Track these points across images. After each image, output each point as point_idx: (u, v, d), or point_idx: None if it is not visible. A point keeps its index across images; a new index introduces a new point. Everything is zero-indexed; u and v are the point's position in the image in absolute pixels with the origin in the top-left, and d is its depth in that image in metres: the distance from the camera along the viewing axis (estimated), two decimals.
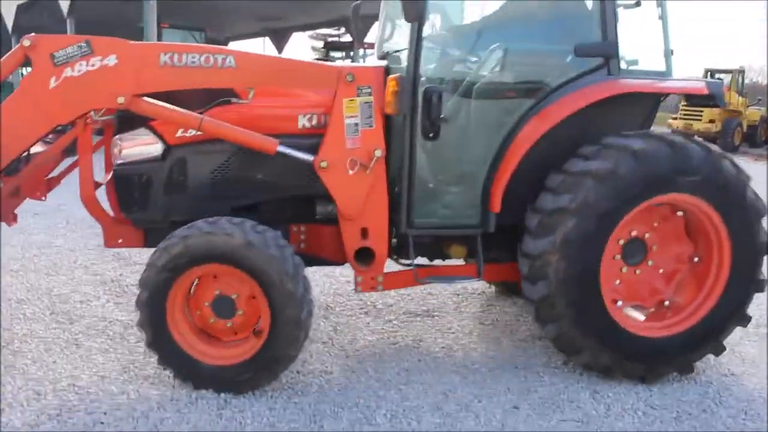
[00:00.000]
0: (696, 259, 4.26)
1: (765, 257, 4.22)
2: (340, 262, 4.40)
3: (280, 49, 30.22)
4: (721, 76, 25.19)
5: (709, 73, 25.55)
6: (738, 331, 4.38)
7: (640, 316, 4.33)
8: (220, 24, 26.18)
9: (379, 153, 3.96)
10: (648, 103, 4.44)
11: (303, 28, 29.34)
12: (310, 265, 4.62)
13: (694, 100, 4.98)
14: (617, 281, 4.23)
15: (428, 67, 4.56)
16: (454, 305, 5.55)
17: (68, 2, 19.55)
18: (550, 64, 4.45)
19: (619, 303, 4.25)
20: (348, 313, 5.30)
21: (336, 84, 3.96)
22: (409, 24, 3.93)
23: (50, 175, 4.71)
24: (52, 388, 3.93)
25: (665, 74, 4.53)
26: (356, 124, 3.95)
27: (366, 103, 3.95)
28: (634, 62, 4.56)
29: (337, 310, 5.35)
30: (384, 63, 4.52)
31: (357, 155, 3.96)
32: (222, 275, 3.86)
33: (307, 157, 3.94)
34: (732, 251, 4.11)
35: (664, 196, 3.99)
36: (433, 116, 3.98)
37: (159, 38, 17.32)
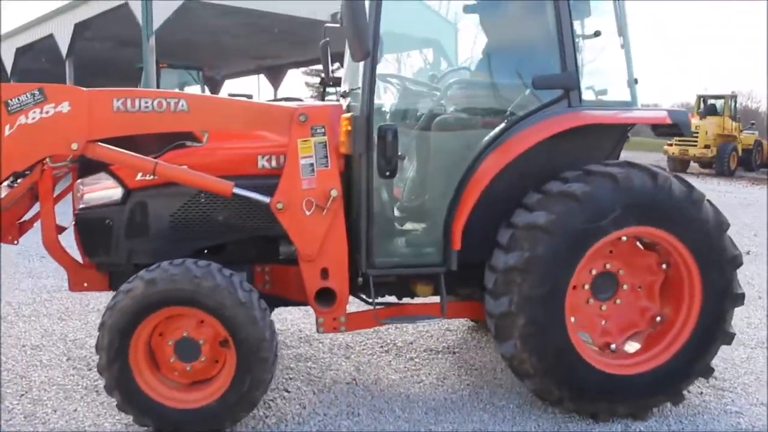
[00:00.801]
0: (658, 319, 4.20)
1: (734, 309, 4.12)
2: (305, 303, 4.29)
3: (275, 85, 30.41)
4: (714, 101, 25.51)
5: (702, 100, 25.87)
6: None
7: (634, 346, 4.24)
8: (216, 62, 26.43)
9: (335, 193, 3.91)
10: (613, 134, 4.37)
11: (297, 65, 29.58)
12: (276, 306, 4.59)
13: (659, 130, 4.92)
14: (579, 310, 4.14)
15: (387, 102, 4.55)
16: (474, 341, 5.50)
17: (66, 45, 19.69)
18: (509, 97, 4.40)
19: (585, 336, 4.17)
20: (369, 352, 5.24)
21: (289, 125, 3.94)
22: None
23: (23, 219, 4.70)
24: None
25: (630, 104, 4.49)
26: (312, 165, 3.92)
27: (320, 143, 3.93)
28: (603, 92, 4.55)
29: (357, 350, 5.29)
30: (346, 101, 4.53)
31: (313, 196, 3.91)
32: (185, 318, 3.81)
33: (264, 198, 3.93)
34: (702, 299, 4.02)
35: (636, 228, 3.92)
36: (388, 154, 3.92)
37: (158, 78, 17.45)
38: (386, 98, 4.75)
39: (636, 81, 4.48)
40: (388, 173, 3.96)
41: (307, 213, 3.90)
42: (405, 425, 4.04)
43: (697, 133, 23.57)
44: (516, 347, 3.91)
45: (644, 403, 4.09)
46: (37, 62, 23.31)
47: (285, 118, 3.95)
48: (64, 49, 19.83)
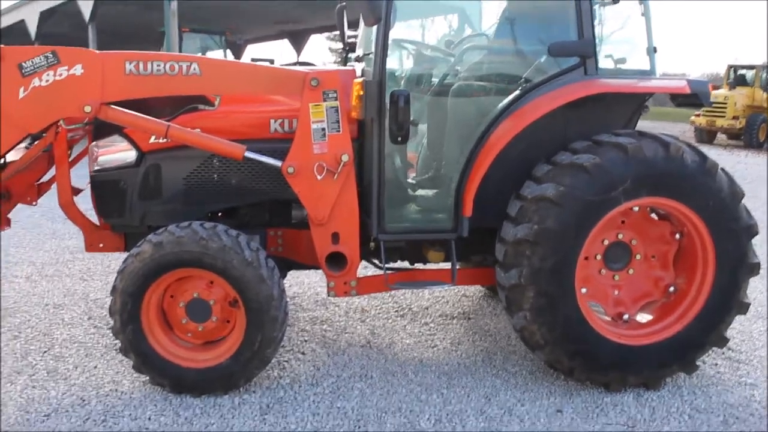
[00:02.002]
0: (672, 289, 4.16)
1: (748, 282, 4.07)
2: (317, 267, 4.32)
3: (298, 51, 30.24)
4: (744, 72, 24.95)
5: (732, 69, 25.32)
6: None
7: (647, 317, 4.23)
8: (239, 27, 26.28)
9: (346, 158, 3.90)
10: (630, 103, 4.31)
11: (321, 30, 29.32)
12: (289, 269, 4.65)
13: (679, 100, 4.70)
14: (591, 281, 4.12)
15: (402, 67, 4.52)
16: (490, 308, 5.52)
17: (90, 9, 19.68)
18: (525, 64, 4.36)
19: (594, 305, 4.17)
20: (384, 317, 5.28)
21: (301, 89, 3.93)
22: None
23: (41, 181, 4.79)
24: (96, 394, 3.95)
25: (648, 73, 4.41)
26: (323, 129, 3.91)
27: (332, 107, 3.91)
28: (623, 60, 4.47)
29: (372, 314, 5.34)
30: (361, 66, 4.50)
31: (324, 160, 3.91)
32: (195, 279, 3.88)
33: (275, 162, 3.94)
34: (716, 269, 3.99)
35: (647, 199, 3.87)
36: (400, 120, 3.90)
37: (180, 42, 17.44)
38: (401, 63, 4.72)
39: (655, 49, 4.40)
40: (399, 139, 3.96)
41: (318, 177, 3.91)
42: (417, 388, 4.08)
43: (726, 103, 23.11)
44: (526, 319, 3.92)
45: (657, 373, 4.09)
46: (61, 26, 23.33)
47: (297, 82, 3.94)
48: (87, 14, 19.81)
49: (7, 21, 26.49)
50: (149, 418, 3.68)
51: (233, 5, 21.63)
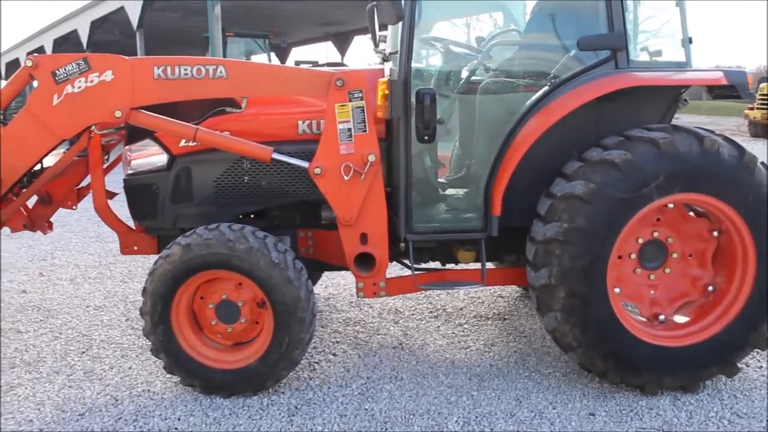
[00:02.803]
0: (711, 288, 4.02)
1: None
2: (347, 268, 4.29)
3: (342, 52, 30.39)
4: None
5: None
6: None
7: (683, 318, 4.09)
8: (283, 30, 26.54)
9: (373, 158, 3.88)
10: (665, 96, 4.15)
11: (365, 31, 29.36)
12: (321, 270, 4.65)
13: (716, 92, 4.50)
14: (626, 281, 4.00)
15: (429, 65, 4.46)
16: (526, 308, 5.43)
17: (137, 16, 20.17)
18: (555, 58, 4.24)
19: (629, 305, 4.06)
20: (418, 317, 5.25)
21: (326, 90, 3.92)
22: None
23: (80, 185, 4.90)
24: (129, 394, 4.02)
25: (683, 65, 4.25)
26: (349, 129, 3.90)
27: (358, 107, 3.90)
28: (658, 53, 4.33)
29: (406, 314, 5.31)
30: (387, 65, 4.47)
31: (351, 160, 3.90)
32: (224, 281, 3.91)
33: (302, 163, 3.94)
34: (756, 267, 3.83)
35: (682, 195, 3.74)
36: (426, 119, 3.85)
37: (224, 46, 17.70)
38: (428, 61, 4.67)
39: (690, 40, 4.26)
40: (426, 138, 3.91)
41: (345, 178, 3.90)
42: (447, 390, 4.04)
43: None
44: (557, 320, 3.83)
45: (695, 375, 3.95)
46: (110, 34, 23.97)
47: (322, 83, 3.93)
48: (135, 21, 20.31)
49: (62, 31, 27.43)
50: (179, 419, 3.72)
51: (277, 8, 21.86)
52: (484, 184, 4.13)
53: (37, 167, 4.33)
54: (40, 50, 30.18)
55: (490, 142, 4.16)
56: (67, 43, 27.21)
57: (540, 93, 4.08)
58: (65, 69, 3.88)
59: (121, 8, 21.07)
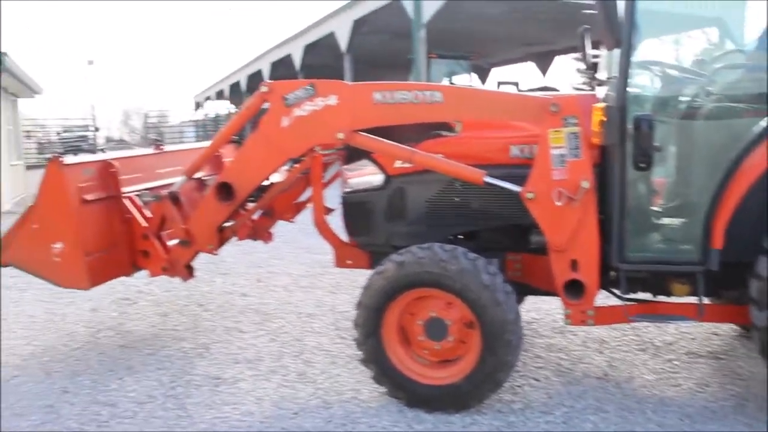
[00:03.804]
0: None
1: None
2: (554, 293, 4.19)
3: (543, 72, 30.05)
4: None
5: None
6: None
7: None
8: (485, 51, 26.78)
9: (586, 185, 3.78)
10: None
11: (567, 51, 28.85)
12: (526, 294, 4.63)
13: None
14: None
15: (647, 90, 4.27)
16: (744, 349, 5.01)
17: (346, 40, 21.41)
18: None
19: None
20: (624, 349, 5.04)
21: (541, 115, 3.87)
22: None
23: (298, 200, 5.27)
24: (338, 399, 4.25)
25: None
26: (562, 155, 3.83)
27: (572, 133, 3.83)
28: None
29: (611, 345, 5.12)
30: (603, 89, 4.29)
31: (564, 186, 3.82)
32: (434, 299, 3.97)
33: (515, 188, 3.92)
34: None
35: None
36: (643, 145, 3.69)
37: (428, 68, 18.23)
38: (646, 86, 4.49)
39: None
40: (642, 165, 3.78)
41: (558, 204, 3.86)
42: (655, 428, 3.84)
43: None
44: None
45: None
46: (321, 57, 25.64)
47: (537, 108, 3.94)
48: (343, 45, 21.59)
49: (277, 55, 29.88)
50: (384, 428, 3.87)
51: (480, 30, 22.16)
52: (704, 215, 3.89)
53: (266, 183, 4.75)
54: (258, 74, 32.99)
55: (711, 170, 3.92)
56: (282, 66, 29.54)
57: None
58: (295, 94, 4.23)
59: (331, 33, 22.50)
